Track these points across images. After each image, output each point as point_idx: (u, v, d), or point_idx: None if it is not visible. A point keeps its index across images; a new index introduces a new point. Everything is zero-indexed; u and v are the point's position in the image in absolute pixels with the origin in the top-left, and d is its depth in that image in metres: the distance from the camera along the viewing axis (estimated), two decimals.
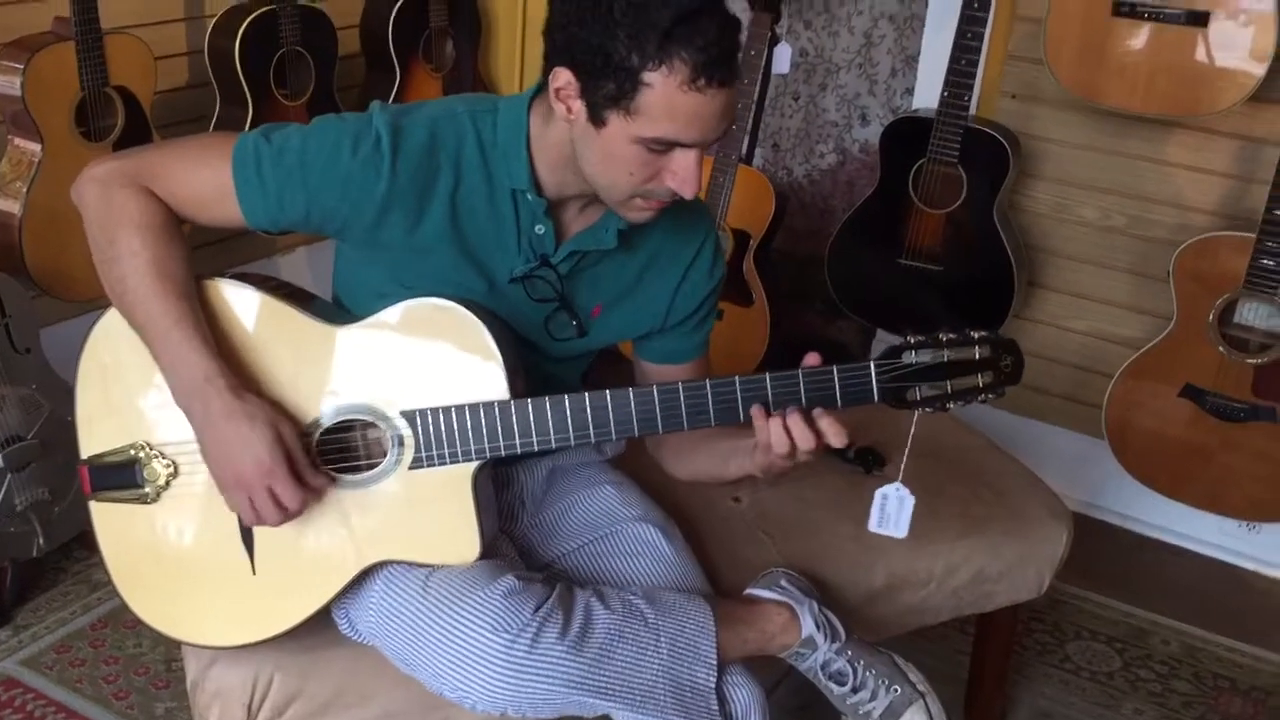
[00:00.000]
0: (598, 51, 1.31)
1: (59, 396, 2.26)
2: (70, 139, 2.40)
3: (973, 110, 2.63)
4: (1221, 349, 2.44)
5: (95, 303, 2.54)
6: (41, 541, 2.27)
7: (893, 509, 1.57)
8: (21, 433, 2.22)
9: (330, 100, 2.91)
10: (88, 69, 2.38)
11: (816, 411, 1.40)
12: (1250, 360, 2.42)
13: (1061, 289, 2.86)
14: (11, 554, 2.26)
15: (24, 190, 2.36)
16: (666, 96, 1.31)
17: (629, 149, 1.35)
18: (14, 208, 2.37)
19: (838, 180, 3.48)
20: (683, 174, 1.37)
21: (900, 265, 2.77)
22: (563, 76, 1.36)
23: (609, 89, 1.32)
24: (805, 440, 1.40)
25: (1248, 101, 2.35)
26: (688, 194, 1.39)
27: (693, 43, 1.29)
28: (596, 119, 1.35)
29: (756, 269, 2.92)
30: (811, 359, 1.41)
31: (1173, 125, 2.61)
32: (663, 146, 1.35)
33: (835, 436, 1.40)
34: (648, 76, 1.30)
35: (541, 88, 1.43)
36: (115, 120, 2.47)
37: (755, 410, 1.41)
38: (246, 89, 2.72)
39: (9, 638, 2.26)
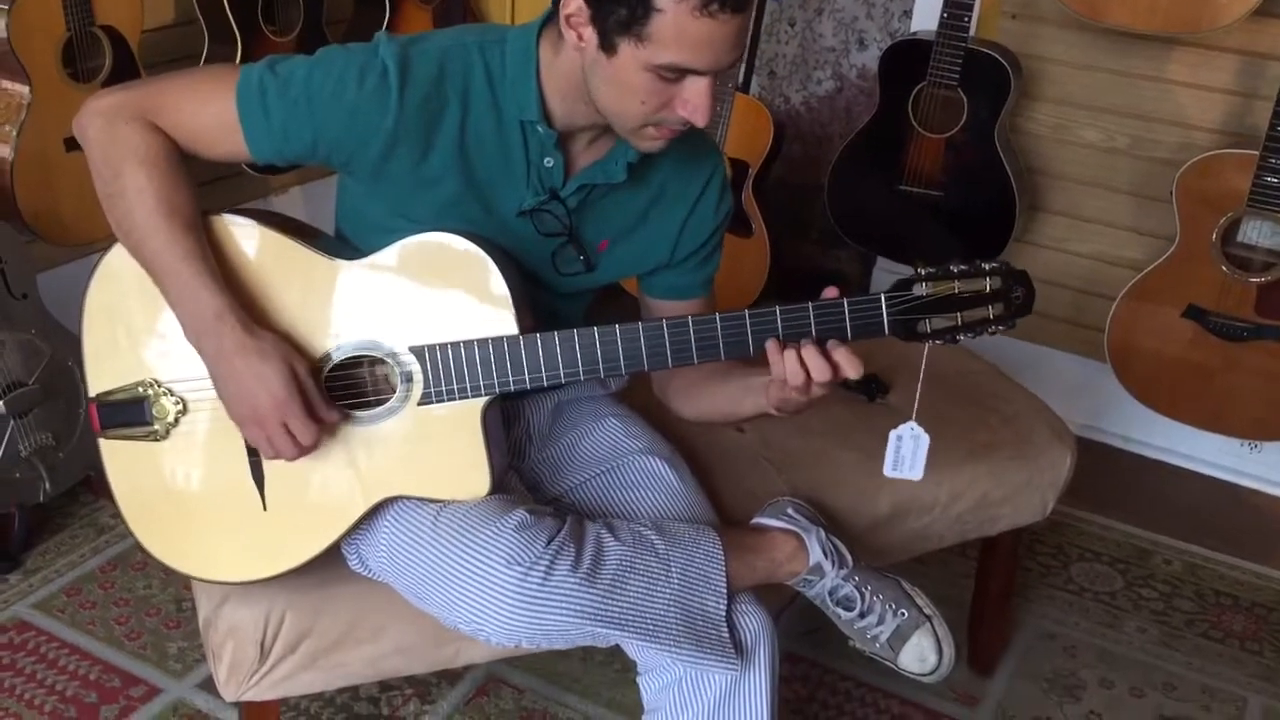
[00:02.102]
0: None
1: (58, 341, 2.26)
2: (59, 80, 2.36)
3: (972, 31, 2.59)
4: (1224, 268, 2.43)
5: (90, 246, 2.54)
6: (47, 486, 2.28)
7: (908, 450, 1.53)
8: (23, 378, 2.21)
9: (320, 35, 2.86)
10: (74, 8, 2.33)
11: (831, 343, 1.39)
12: (1253, 279, 2.41)
13: (1063, 212, 2.84)
14: (18, 500, 2.26)
15: (14, 134, 2.33)
16: (678, 23, 1.28)
17: (640, 77, 1.33)
18: (4, 151, 2.34)
19: (835, 107, 3.44)
20: (695, 102, 1.35)
21: (900, 191, 2.75)
22: (573, 3, 1.34)
23: (620, 15, 1.30)
24: (821, 372, 1.38)
25: (1251, 16, 2.32)
26: (700, 122, 1.37)
27: None
28: (608, 46, 1.33)
29: (756, 199, 2.90)
30: (830, 292, 1.40)
31: (1174, 43, 2.57)
32: (675, 74, 1.33)
33: (851, 368, 1.38)
34: (659, 2, 1.28)
35: (551, 15, 1.40)
36: (103, 60, 2.43)
37: (770, 345, 1.39)
38: (234, 25, 2.67)
39: (19, 582, 2.27)
